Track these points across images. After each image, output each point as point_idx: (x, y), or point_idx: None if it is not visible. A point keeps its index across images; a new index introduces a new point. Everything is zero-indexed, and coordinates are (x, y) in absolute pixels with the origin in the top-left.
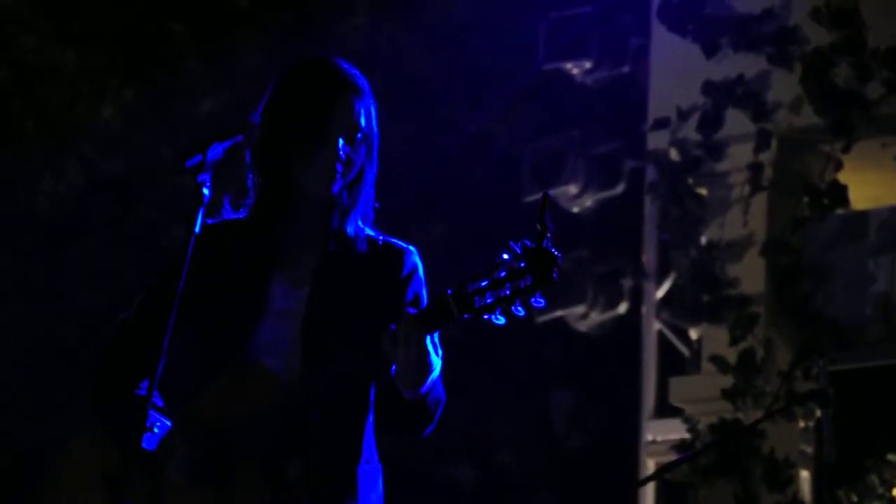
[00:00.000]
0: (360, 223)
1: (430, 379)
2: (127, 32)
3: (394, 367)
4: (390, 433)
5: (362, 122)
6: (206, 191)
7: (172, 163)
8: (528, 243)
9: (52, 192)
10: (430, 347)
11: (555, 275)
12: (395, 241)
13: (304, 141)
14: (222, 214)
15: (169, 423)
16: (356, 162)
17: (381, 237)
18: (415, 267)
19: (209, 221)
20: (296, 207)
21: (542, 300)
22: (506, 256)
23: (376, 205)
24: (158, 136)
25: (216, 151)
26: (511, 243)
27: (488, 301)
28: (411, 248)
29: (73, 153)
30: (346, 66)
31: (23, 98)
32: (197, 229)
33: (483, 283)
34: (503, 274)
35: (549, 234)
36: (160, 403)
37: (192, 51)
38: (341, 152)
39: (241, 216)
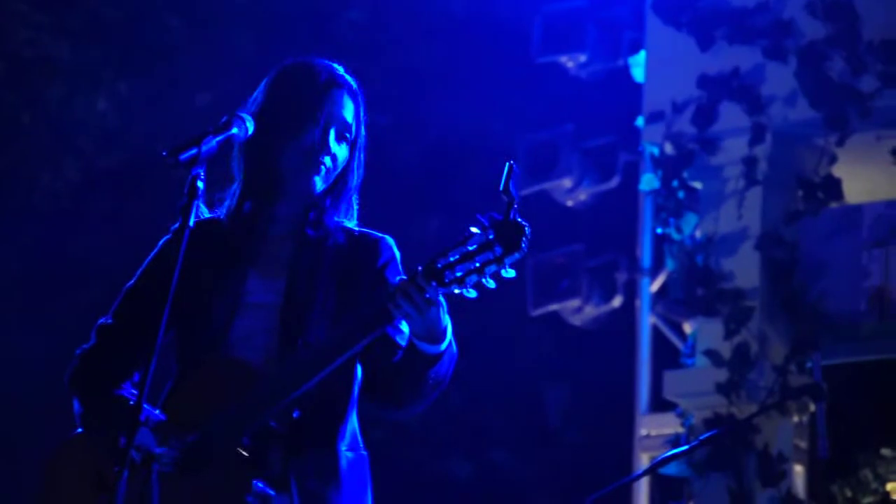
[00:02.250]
0: (335, 218)
1: (448, 332)
2: (122, 26)
3: (409, 331)
4: (402, 402)
5: (350, 119)
6: (200, 184)
7: (167, 156)
8: (496, 215)
9: (49, 186)
10: (442, 302)
11: (524, 244)
12: (371, 231)
13: (292, 131)
14: (199, 214)
15: (159, 419)
16: (340, 159)
17: (356, 229)
18: (391, 255)
19: (201, 218)
20: (275, 203)
21: (512, 271)
22: (474, 229)
23: (357, 206)
24: (154, 130)
25: (210, 145)
26: (478, 216)
27: (458, 275)
28: (387, 237)
29: (69, 147)
30: (339, 68)
31: (18, 91)
32: (191, 223)
33: (452, 258)
34: (472, 247)
35: (515, 205)
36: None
37: (188, 44)
38: (328, 145)
39: (215, 215)
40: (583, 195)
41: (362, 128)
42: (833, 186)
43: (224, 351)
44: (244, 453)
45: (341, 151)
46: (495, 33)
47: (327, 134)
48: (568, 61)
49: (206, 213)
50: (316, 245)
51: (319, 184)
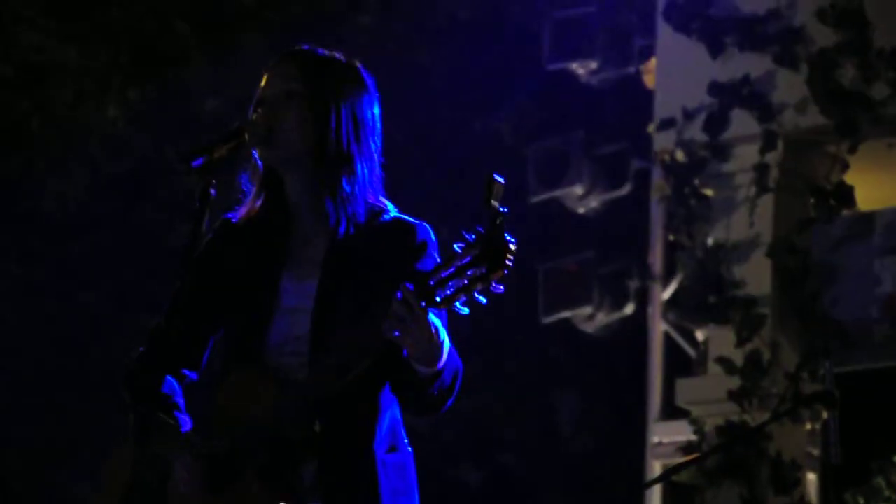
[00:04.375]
0: (362, 203)
1: (444, 352)
2: (131, 31)
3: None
4: (414, 411)
5: (292, 82)
6: (211, 191)
7: (177, 163)
8: (481, 230)
9: (58, 191)
10: (436, 323)
11: (509, 262)
12: (407, 217)
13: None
14: (242, 210)
15: (188, 426)
16: (283, 120)
17: (391, 214)
18: (424, 243)
19: (232, 218)
20: (293, 200)
21: (500, 286)
22: (459, 245)
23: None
24: (163, 136)
25: (222, 151)
26: (464, 232)
27: (449, 293)
28: (424, 224)
29: (78, 153)
30: (303, 47)
31: (27, 97)
32: (204, 228)
33: (443, 275)
34: (460, 263)
35: (500, 219)
36: (182, 407)
37: (197, 50)
38: (260, 111)
39: (256, 213)
40: (594, 202)
41: (317, 83)
42: (845, 193)
43: (261, 358)
44: (267, 467)
45: (282, 113)
46: (505, 40)
47: (259, 107)
48: (578, 68)
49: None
50: (346, 242)
51: (263, 151)
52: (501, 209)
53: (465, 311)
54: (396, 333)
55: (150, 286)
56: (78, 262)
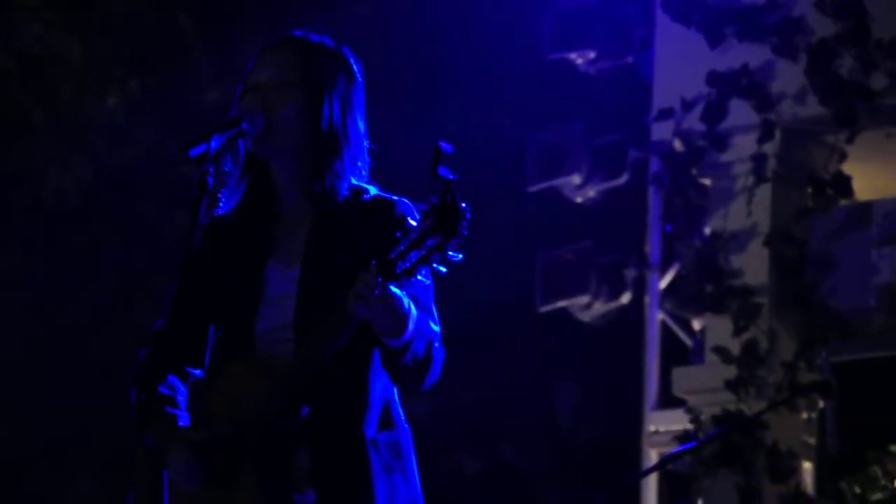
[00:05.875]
0: (347, 187)
1: (410, 322)
2: (132, 23)
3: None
4: (399, 387)
5: (287, 71)
6: (209, 181)
7: (176, 153)
8: (434, 199)
9: (58, 183)
10: (398, 295)
11: (462, 228)
12: (386, 194)
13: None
14: (229, 201)
15: (185, 422)
16: (279, 110)
17: (371, 193)
18: (404, 215)
19: (219, 212)
20: (280, 187)
21: (458, 254)
22: (415, 218)
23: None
24: (164, 127)
25: (219, 141)
26: (421, 204)
27: (408, 265)
28: (403, 200)
29: (79, 144)
30: (295, 33)
31: (28, 88)
32: (201, 218)
33: (402, 247)
34: (416, 234)
35: (451, 187)
36: (181, 405)
37: (198, 41)
38: (241, 108)
39: (235, 204)
40: (592, 192)
41: (314, 71)
42: (843, 183)
43: (251, 349)
44: (259, 457)
45: (274, 104)
46: (505, 29)
47: (251, 88)
48: (577, 58)
49: (223, 204)
50: (326, 227)
51: (256, 146)
52: (450, 176)
53: (428, 282)
54: (360, 310)
55: (151, 278)
56: (79, 254)
